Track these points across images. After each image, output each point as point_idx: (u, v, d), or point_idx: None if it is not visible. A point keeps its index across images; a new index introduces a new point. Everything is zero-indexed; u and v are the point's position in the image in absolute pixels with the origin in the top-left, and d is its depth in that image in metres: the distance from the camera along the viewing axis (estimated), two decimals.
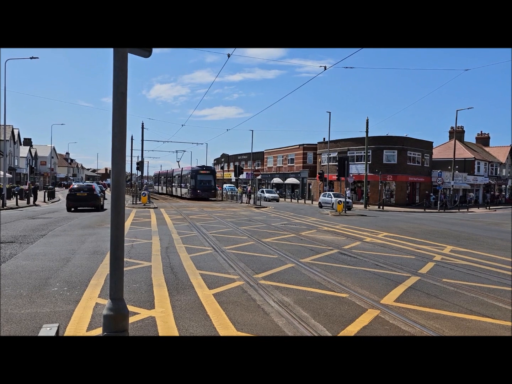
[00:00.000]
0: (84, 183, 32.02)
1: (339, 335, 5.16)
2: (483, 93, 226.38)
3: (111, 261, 3.02)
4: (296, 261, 10.02)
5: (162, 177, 63.13)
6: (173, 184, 53.26)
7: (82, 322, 5.36)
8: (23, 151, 66.51)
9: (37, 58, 29.85)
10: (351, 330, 5.37)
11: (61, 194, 51.27)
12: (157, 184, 68.19)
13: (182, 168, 50.35)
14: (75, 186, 25.81)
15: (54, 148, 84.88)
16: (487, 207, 44.29)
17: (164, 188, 59.93)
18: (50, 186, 51.37)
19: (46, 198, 34.25)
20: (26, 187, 35.50)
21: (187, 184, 44.52)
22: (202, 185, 42.80)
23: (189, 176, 44.03)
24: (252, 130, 53.64)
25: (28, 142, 75.46)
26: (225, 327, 5.32)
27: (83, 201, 24.48)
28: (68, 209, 24.19)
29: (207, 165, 51.47)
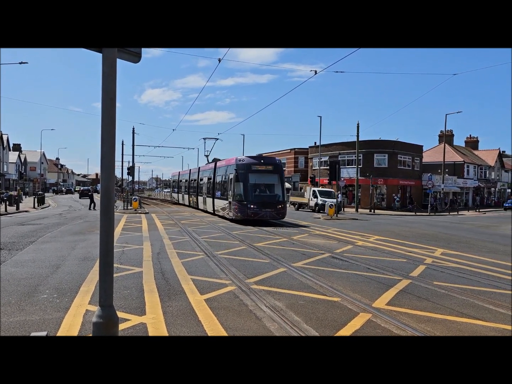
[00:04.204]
0: (86, 187, 69.16)
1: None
2: (471, 97, 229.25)
3: (100, 267, 2.99)
4: (288, 265, 10.01)
5: (183, 180, 41.16)
6: (201, 191, 31.57)
7: (72, 330, 5.29)
8: (12, 156, 65.89)
9: (26, 63, 29.65)
10: (343, 334, 5.37)
11: (52, 200, 50.83)
12: (176, 190, 46.58)
13: (215, 162, 28.29)
14: (82, 188, 65.59)
15: (44, 154, 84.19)
16: (477, 210, 44.70)
17: (186, 197, 38.67)
18: (40, 192, 50.85)
19: (36, 204, 33.91)
20: (15, 193, 35.14)
21: (228, 192, 23.18)
22: (258, 194, 21.73)
23: (231, 176, 22.62)
24: (243, 135, 53.05)
25: (17, 147, 74.78)
26: (217, 333, 5.28)
27: (86, 195, 52.38)
28: (80, 197, 56.42)
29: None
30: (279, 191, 22.33)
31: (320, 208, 35.41)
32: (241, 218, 21.44)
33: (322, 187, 40.11)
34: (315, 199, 36.00)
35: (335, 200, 35.78)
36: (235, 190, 21.97)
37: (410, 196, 45.02)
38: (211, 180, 27.74)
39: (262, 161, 22.70)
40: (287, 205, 31.42)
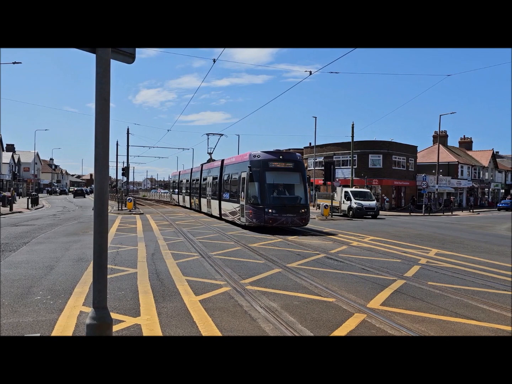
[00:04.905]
0: (79, 188, 76.32)
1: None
2: (465, 98, 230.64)
3: (94, 269, 2.97)
4: (283, 266, 10.01)
5: (184, 180, 37.27)
6: (205, 192, 27.81)
7: (66, 332, 5.26)
8: (6, 157, 65.47)
9: (20, 63, 29.47)
10: (338, 334, 5.38)
11: (45, 200, 50.54)
12: (176, 191, 42.61)
13: (222, 160, 24.16)
14: (76, 189, 72.65)
15: (37, 154, 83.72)
16: (471, 210, 44.94)
17: (188, 198, 34.79)
18: (33, 193, 50.48)
19: (29, 205, 33.72)
20: (9, 193, 34.89)
21: (240, 193, 19.59)
22: (278, 196, 18.34)
23: (244, 175, 19.14)
24: (239, 135, 52.58)
25: (11, 148, 74.32)
26: (211, 334, 5.27)
27: (80, 194, 66.35)
28: (74, 197, 64.09)
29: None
30: (301, 192, 18.84)
31: (355, 213, 29.92)
32: (257, 224, 17.93)
33: (356, 187, 34.61)
34: (348, 201, 30.76)
35: (374, 202, 31.17)
36: (249, 191, 18.45)
37: (413, 197, 45.05)
38: (217, 180, 24.08)
39: (281, 157, 18.86)
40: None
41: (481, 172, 61.63)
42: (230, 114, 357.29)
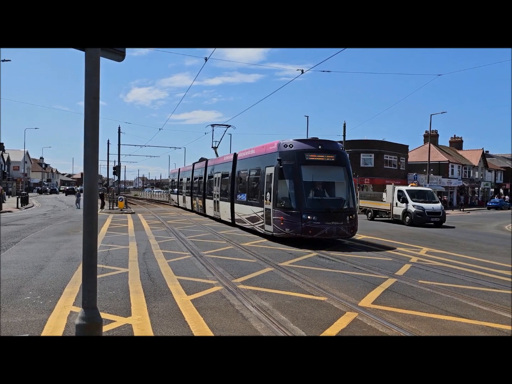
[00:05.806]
0: (71, 187, 79.74)
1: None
2: (456, 97, 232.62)
3: (83, 269, 2.95)
4: (275, 265, 10.01)
5: (185, 179, 32.58)
6: (211, 192, 23.53)
7: (55, 332, 5.21)
8: None
9: (9, 60, 29.15)
10: (330, 333, 5.39)
11: (35, 199, 50.06)
12: (175, 191, 37.49)
13: (235, 154, 20.05)
14: (68, 188, 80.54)
15: (27, 153, 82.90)
16: (461, 209, 45.34)
17: (189, 199, 30.33)
18: (23, 192, 49.90)
19: (19, 204, 33.40)
20: None
21: (264, 194, 15.18)
22: (318, 198, 13.96)
23: (270, 171, 14.79)
24: (231, 134, 52.03)
25: (0, 146, 73.48)
26: (203, 333, 5.26)
27: (71, 192, 67.28)
28: (66, 195, 67.97)
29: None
30: (347, 193, 14.43)
31: (413, 220, 22.92)
32: (290, 235, 13.70)
33: (412, 185, 27.81)
34: (403, 204, 23.89)
35: (438, 204, 23.84)
36: (279, 191, 14.19)
37: None
38: (228, 178, 19.89)
39: (320, 146, 14.28)
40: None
41: (471, 171, 62.19)
42: (222, 113, 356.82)
